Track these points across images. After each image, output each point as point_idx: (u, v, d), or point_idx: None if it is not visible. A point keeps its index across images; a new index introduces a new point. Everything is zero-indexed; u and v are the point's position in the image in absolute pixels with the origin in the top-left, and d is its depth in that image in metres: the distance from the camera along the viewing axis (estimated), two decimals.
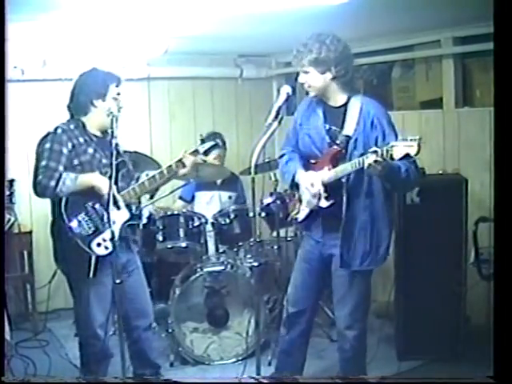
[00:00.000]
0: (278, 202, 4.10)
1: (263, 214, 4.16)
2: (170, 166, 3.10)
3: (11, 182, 4.39)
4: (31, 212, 4.58)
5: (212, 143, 3.17)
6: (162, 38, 4.17)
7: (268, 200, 4.19)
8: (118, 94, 3.06)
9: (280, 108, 2.74)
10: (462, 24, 3.92)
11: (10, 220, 4.21)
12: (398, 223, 3.75)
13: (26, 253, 4.48)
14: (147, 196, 3.32)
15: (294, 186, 3.04)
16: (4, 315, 2.98)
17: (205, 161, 3.47)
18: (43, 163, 2.91)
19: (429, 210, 3.65)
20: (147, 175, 3.19)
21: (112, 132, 2.86)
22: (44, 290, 4.46)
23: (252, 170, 2.60)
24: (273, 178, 4.28)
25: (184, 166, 3.09)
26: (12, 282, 4.37)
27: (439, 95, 4.39)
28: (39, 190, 2.91)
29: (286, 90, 2.81)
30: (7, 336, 3.18)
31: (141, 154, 4.04)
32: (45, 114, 4.46)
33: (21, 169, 4.30)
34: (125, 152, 3.23)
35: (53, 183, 2.88)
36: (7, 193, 4.30)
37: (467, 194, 3.64)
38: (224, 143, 4.41)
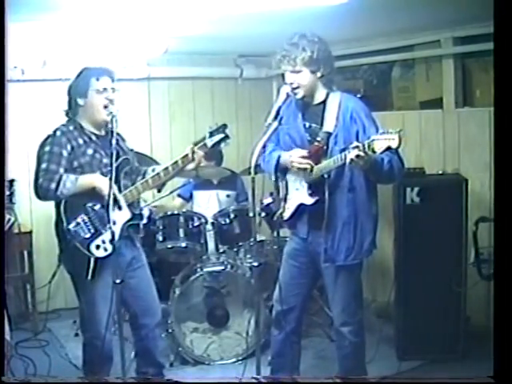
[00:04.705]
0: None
1: (263, 214, 4.16)
2: (176, 163, 3.05)
3: (11, 181, 4.38)
4: (31, 212, 4.57)
5: (222, 135, 3.02)
6: (162, 38, 4.17)
7: (268, 200, 4.17)
8: (105, 88, 2.99)
9: (280, 108, 2.73)
10: (462, 24, 3.92)
11: (9, 220, 4.20)
12: (398, 223, 3.76)
13: (26, 253, 4.47)
14: (148, 194, 3.29)
15: (279, 170, 3.03)
16: (4, 315, 2.97)
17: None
18: (43, 166, 2.92)
19: (429, 210, 3.65)
20: (153, 170, 3.18)
21: (112, 131, 2.85)
22: (44, 290, 4.46)
23: (252, 170, 2.60)
24: (273, 178, 4.27)
25: (191, 160, 3.03)
26: (12, 282, 4.36)
27: (439, 95, 4.38)
28: (40, 193, 2.92)
29: (286, 89, 2.81)
30: (7, 336, 3.17)
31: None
32: (45, 114, 4.46)
33: (21, 169, 4.30)
34: (130, 150, 3.22)
35: (53, 186, 2.88)
36: (7, 193, 4.29)
37: (467, 194, 3.64)
38: None
